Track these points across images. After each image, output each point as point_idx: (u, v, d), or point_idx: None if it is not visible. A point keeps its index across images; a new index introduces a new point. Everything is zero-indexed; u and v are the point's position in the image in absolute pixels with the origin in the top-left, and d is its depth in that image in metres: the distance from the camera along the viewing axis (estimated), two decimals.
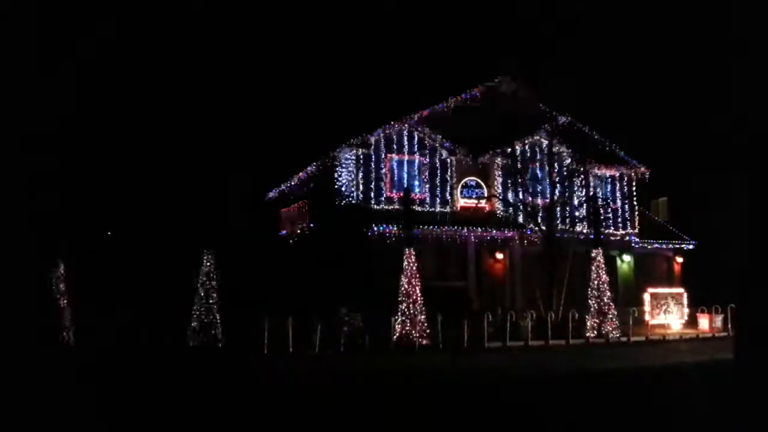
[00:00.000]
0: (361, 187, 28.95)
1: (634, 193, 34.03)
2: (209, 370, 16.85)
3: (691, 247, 34.51)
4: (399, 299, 22.88)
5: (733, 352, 5.85)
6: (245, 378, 15.58)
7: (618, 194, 33.77)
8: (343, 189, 28.63)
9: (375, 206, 28.77)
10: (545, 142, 31.08)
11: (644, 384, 14.66)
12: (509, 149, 30.89)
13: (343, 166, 28.85)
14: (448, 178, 30.56)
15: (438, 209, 30.15)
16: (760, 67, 5.32)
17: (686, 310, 29.26)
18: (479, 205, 30.68)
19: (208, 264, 21.76)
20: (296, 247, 31.01)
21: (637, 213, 34.18)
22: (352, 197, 28.52)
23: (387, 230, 27.19)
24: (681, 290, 30.23)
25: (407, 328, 22.60)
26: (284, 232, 33.32)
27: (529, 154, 31.24)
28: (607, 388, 14.01)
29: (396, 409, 11.20)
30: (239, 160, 33.54)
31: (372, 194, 29.01)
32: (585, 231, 30.13)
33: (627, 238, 33.47)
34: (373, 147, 29.27)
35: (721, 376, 11.12)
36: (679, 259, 34.75)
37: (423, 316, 22.80)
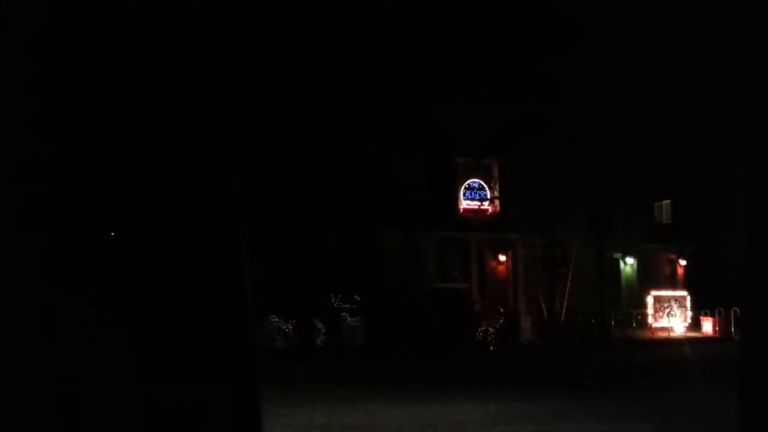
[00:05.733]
0: (364, 188, 28.91)
1: (638, 195, 33.93)
2: None
3: (694, 249, 34.42)
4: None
5: (738, 355, 5.84)
6: None
7: (621, 196, 33.66)
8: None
9: (378, 207, 28.74)
10: (548, 143, 31.03)
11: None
12: (512, 150, 30.83)
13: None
14: (451, 180, 30.52)
15: (441, 211, 30.10)
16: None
17: (689, 313, 29.21)
18: (482, 207, 30.66)
19: None
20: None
21: (640, 215, 34.08)
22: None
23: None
24: (684, 293, 30.17)
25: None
26: None
27: (532, 155, 31.14)
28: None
29: None
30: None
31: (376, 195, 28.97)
32: (588, 233, 30.04)
33: (630, 240, 33.37)
34: (377, 148, 29.22)
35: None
36: (683, 262, 34.67)
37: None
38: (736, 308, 21.59)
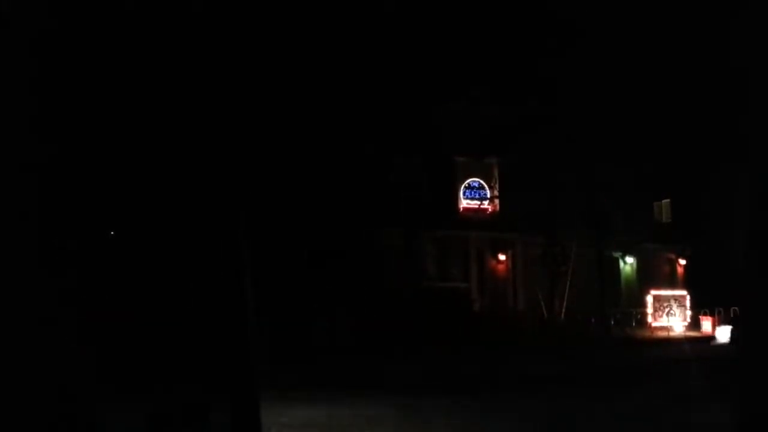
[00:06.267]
0: (364, 187, 28.89)
1: (638, 195, 33.93)
2: None
3: (693, 248, 34.41)
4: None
5: (738, 354, 5.84)
6: None
7: (621, 195, 33.65)
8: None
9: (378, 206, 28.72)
10: (548, 143, 31.06)
11: None
12: (512, 150, 30.82)
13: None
14: (451, 179, 30.51)
15: (441, 210, 30.08)
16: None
17: (689, 312, 29.21)
18: (482, 206, 30.65)
19: None
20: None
21: (640, 214, 34.08)
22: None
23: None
24: (683, 292, 30.16)
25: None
26: None
27: (531, 155, 31.13)
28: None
29: None
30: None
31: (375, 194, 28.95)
32: (588, 232, 30.04)
33: (629, 239, 33.38)
34: (377, 147, 29.21)
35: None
36: (682, 261, 34.68)
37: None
38: (736, 307, 21.60)
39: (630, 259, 33.41)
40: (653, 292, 29.47)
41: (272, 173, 24.81)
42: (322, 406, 11.51)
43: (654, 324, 28.30)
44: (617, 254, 32.65)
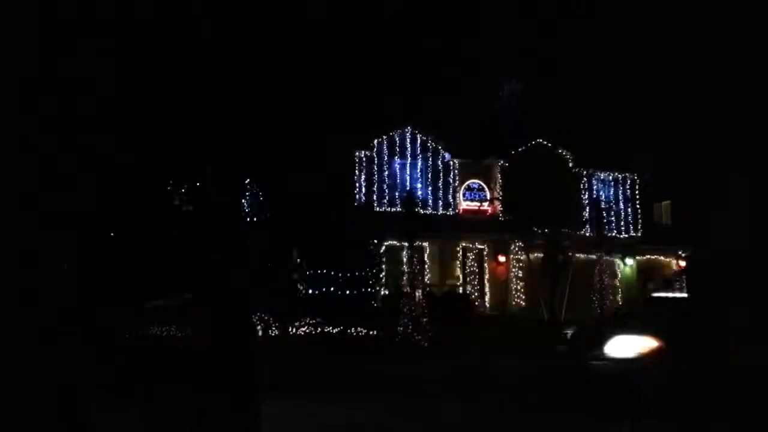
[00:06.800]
0: (363, 190, 28.94)
1: (638, 197, 33.96)
2: None
3: (693, 249, 34.33)
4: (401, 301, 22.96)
5: (738, 353, 5.86)
6: None
7: (621, 197, 33.71)
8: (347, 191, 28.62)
9: (377, 209, 28.74)
10: (548, 145, 31.10)
11: None
12: (512, 152, 30.89)
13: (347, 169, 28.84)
14: (451, 181, 30.56)
15: (440, 212, 30.12)
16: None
17: None
18: (482, 208, 30.66)
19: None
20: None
21: (640, 216, 34.10)
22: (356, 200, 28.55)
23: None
24: (684, 295, 30.13)
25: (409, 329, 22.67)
26: None
27: (531, 157, 31.20)
28: None
29: None
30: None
31: (375, 197, 28.99)
32: (588, 234, 30.07)
33: (630, 241, 33.39)
34: (376, 150, 29.29)
35: None
36: (682, 263, 34.63)
37: (425, 319, 22.85)
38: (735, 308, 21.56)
39: (630, 261, 33.39)
40: (654, 294, 29.44)
41: (272, 173, 24.86)
42: (321, 405, 11.55)
43: None
44: (617, 256, 32.63)
